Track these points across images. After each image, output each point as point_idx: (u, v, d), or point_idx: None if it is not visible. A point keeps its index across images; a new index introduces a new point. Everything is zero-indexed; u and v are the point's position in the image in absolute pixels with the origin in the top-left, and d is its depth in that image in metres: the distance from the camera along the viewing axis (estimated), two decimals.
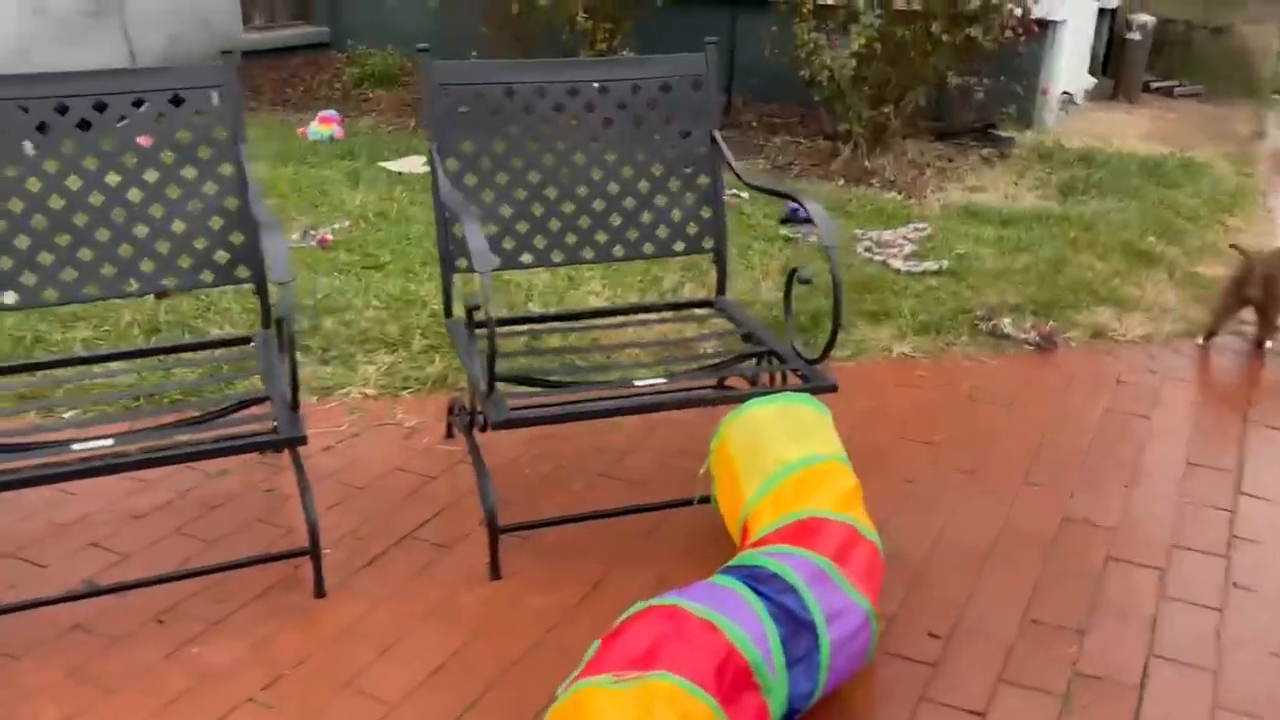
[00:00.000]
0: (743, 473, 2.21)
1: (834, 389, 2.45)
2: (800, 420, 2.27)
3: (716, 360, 2.69)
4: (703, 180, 2.90)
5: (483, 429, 2.41)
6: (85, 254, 2.48)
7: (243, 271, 2.64)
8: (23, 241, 2.42)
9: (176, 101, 2.56)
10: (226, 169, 2.61)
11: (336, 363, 3.32)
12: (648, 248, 2.88)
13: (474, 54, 6.86)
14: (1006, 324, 3.70)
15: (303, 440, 2.17)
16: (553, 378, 2.53)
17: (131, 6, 5.74)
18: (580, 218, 2.82)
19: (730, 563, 2.03)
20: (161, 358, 2.78)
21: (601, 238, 2.85)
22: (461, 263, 2.69)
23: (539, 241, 2.79)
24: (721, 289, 3.00)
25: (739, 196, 5.03)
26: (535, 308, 3.68)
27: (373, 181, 5.18)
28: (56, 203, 2.46)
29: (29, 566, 2.34)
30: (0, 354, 3.31)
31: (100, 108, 2.48)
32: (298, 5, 8.44)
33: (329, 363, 3.32)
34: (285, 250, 2.13)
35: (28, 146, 2.45)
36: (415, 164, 5.48)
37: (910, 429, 3.02)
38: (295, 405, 2.19)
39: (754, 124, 6.67)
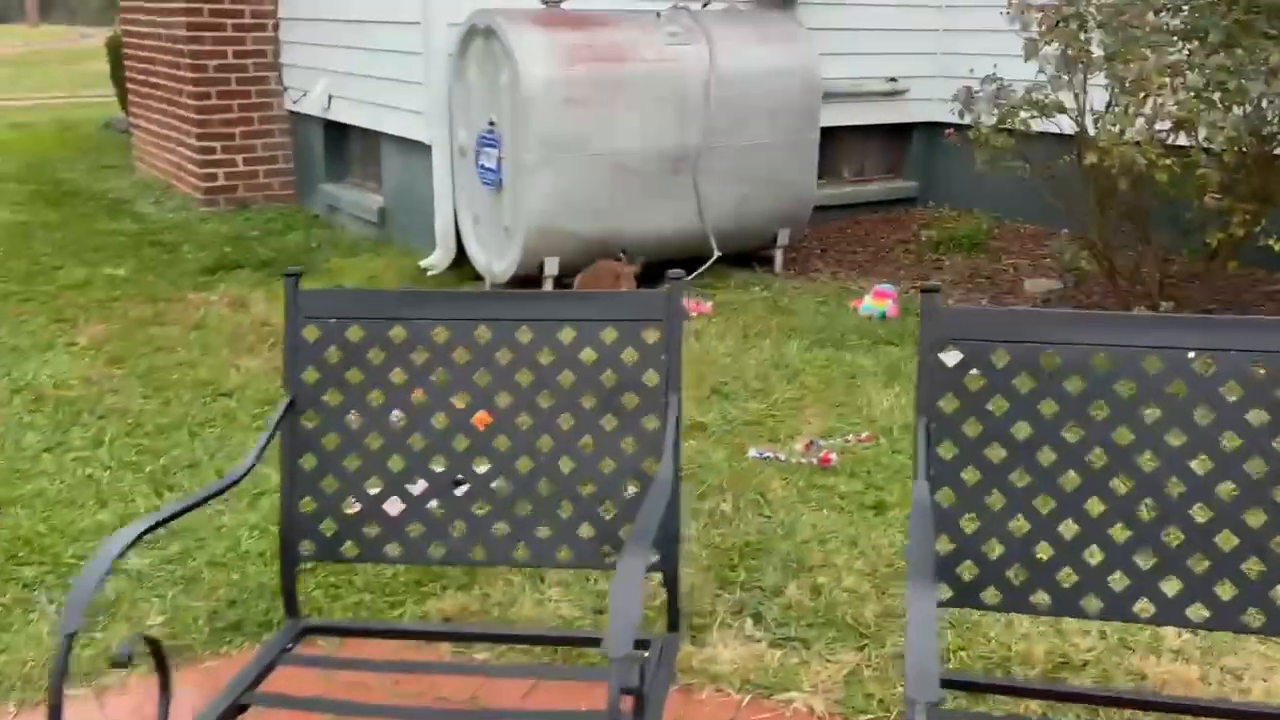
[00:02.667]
0: None
1: None
2: None
3: None
4: None
5: None
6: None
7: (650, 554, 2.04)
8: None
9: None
10: (650, 423, 2.05)
11: (788, 648, 2.60)
12: None
13: (1064, 231, 5.91)
14: None
15: None
16: None
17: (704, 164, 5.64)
18: None
19: None
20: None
21: None
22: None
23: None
24: None
25: None
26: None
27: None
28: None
29: None
30: None
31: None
32: (888, 159, 8.04)
33: (780, 645, 2.61)
34: (631, 612, 1.47)
35: None
36: None
37: None
38: None
39: None
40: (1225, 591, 1.83)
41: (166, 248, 6.77)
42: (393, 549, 2.09)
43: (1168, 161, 4.49)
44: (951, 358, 1.92)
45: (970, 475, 1.91)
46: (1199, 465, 1.85)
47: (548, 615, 2.74)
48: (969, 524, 1.91)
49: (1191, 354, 1.87)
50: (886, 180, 8.00)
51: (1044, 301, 5.76)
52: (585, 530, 2.05)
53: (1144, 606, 1.86)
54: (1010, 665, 2.49)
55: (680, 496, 2.03)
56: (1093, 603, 1.88)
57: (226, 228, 7.28)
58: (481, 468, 2.09)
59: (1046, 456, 1.89)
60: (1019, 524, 1.90)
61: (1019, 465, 1.90)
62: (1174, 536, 1.85)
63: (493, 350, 2.08)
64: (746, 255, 6.28)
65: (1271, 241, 4.53)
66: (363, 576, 2.89)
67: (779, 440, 3.80)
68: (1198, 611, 1.85)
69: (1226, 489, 1.84)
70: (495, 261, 5.61)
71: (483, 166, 5.51)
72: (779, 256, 6.31)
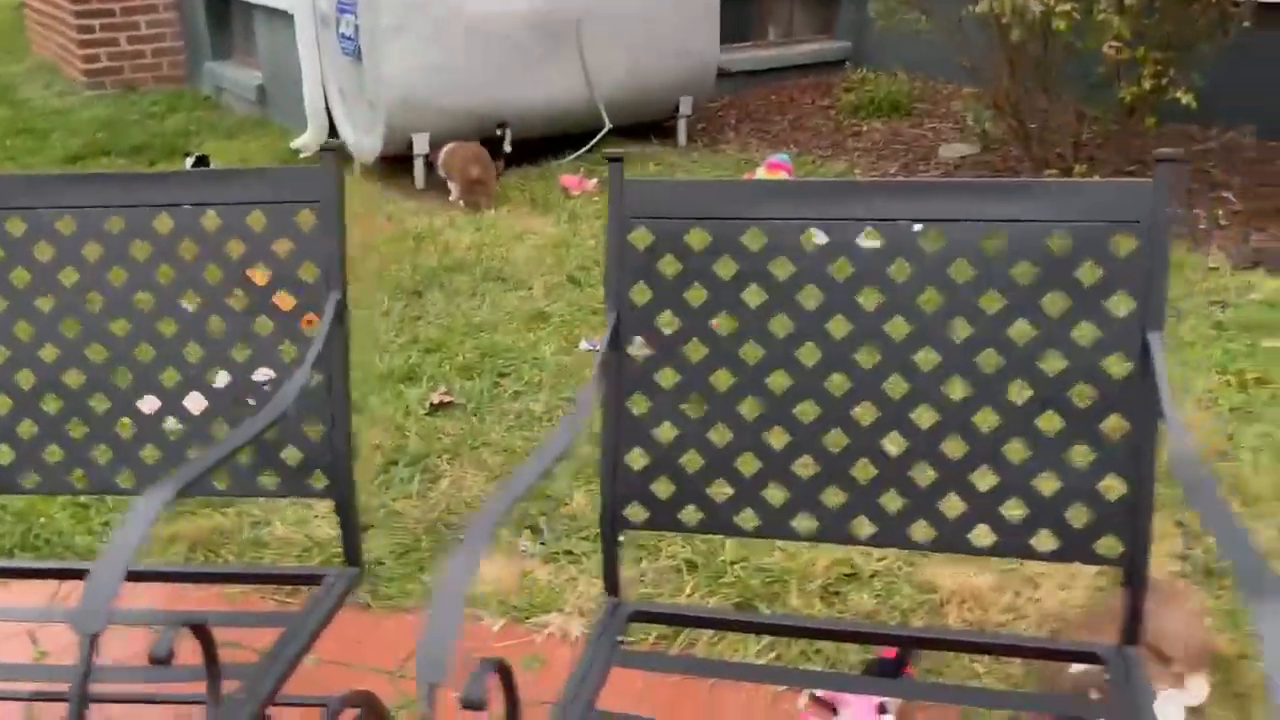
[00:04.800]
0: None
1: None
2: None
3: None
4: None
5: None
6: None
7: (319, 480, 1.76)
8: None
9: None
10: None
11: (560, 564, 2.35)
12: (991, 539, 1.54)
13: (968, 90, 5.47)
14: None
15: None
16: None
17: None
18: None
19: None
20: None
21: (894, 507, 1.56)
22: None
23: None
24: (1132, 636, 1.52)
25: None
26: None
27: None
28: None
29: None
30: None
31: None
32: (819, 18, 7.53)
33: (553, 560, 2.36)
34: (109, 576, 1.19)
35: None
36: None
37: None
38: None
39: None
40: (951, 508, 1.56)
41: (36, 135, 6.35)
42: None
43: (1066, 7, 4.07)
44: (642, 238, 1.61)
45: (667, 379, 1.62)
46: (924, 360, 1.55)
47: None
48: (666, 435, 1.63)
49: (917, 227, 1.55)
50: (817, 41, 7.50)
51: (955, 168, 5.39)
52: (245, 457, 1.76)
53: (862, 526, 1.59)
54: (789, 580, 2.24)
55: (347, 410, 1.74)
56: (805, 522, 1.61)
57: (107, 112, 6.83)
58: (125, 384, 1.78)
59: (753, 354, 1.60)
60: (722, 434, 1.61)
61: (722, 366, 1.61)
62: (896, 444, 1.57)
63: (126, 244, 1.76)
64: (647, 127, 5.88)
65: (1180, 94, 4.15)
66: None
67: None
68: (923, 531, 1.58)
69: (956, 387, 1.55)
70: (364, 139, 5.22)
71: (342, 35, 5.07)
72: (682, 127, 5.90)
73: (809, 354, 1.59)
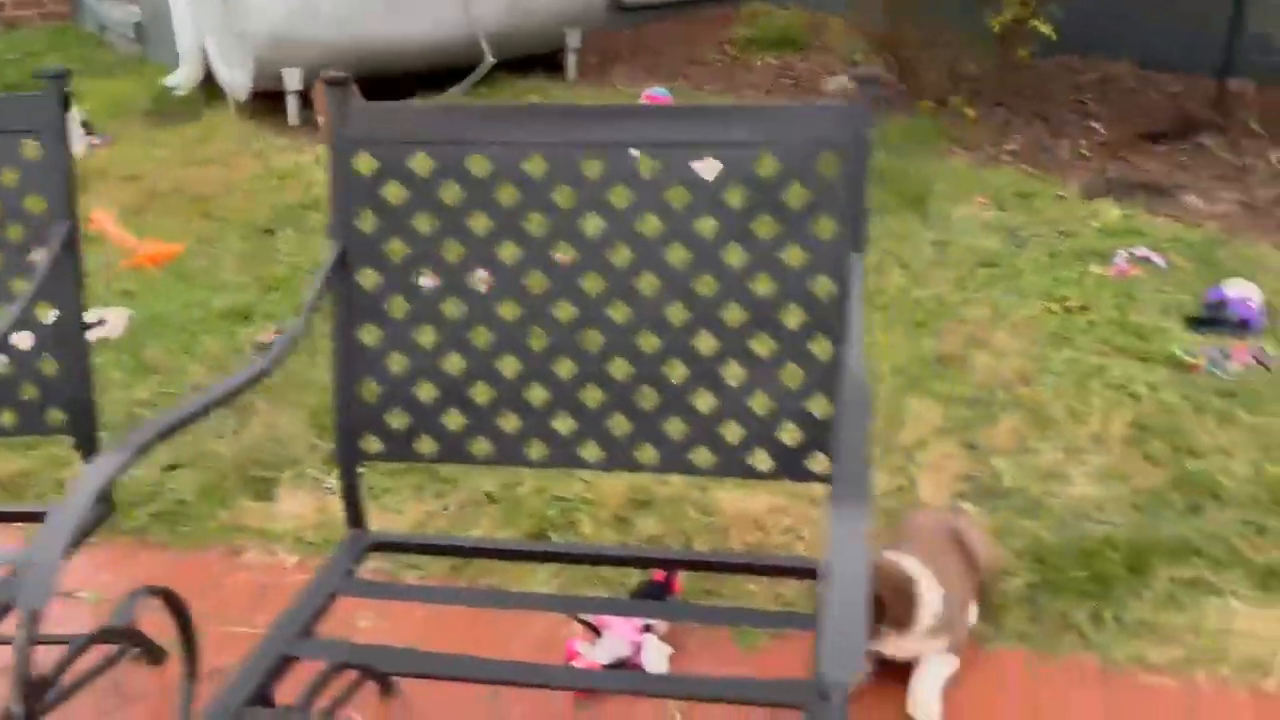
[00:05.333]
0: None
1: None
2: None
3: None
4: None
5: None
6: None
7: (56, 418, 1.73)
8: None
9: None
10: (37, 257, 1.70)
11: None
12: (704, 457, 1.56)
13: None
14: None
15: None
16: None
17: None
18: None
19: None
20: None
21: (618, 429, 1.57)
22: None
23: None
24: None
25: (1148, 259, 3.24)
26: None
27: None
28: None
29: None
30: None
31: None
32: None
33: None
34: None
35: None
36: None
37: None
38: None
39: (1254, 126, 4.55)
40: (675, 429, 1.57)
41: None
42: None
43: None
44: None
45: (397, 308, 1.61)
46: (646, 285, 1.56)
47: None
48: (397, 364, 1.62)
49: (634, 152, 1.54)
50: None
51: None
52: None
53: (592, 451, 1.60)
54: (584, 509, 2.26)
55: (83, 343, 1.71)
56: (537, 449, 1.62)
57: None
58: None
59: (482, 283, 1.59)
60: (454, 363, 1.61)
61: (451, 295, 1.60)
62: (622, 370, 1.57)
63: None
64: (536, 61, 5.79)
65: (1039, 23, 4.17)
66: None
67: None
68: (649, 454, 1.59)
69: (676, 312, 1.55)
70: (236, 75, 5.09)
71: None
72: (571, 61, 5.82)
73: (536, 282, 1.58)
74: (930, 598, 1.77)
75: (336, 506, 2.35)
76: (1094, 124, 4.69)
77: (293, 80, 4.93)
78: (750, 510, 2.18)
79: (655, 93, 5.07)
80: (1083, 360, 2.69)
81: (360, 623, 2.02)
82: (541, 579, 2.09)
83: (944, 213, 3.69)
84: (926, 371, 2.69)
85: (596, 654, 1.88)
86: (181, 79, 5.44)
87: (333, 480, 2.43)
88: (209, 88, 5.41)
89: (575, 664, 1.87)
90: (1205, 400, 2.49)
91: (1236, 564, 1.99)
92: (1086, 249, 3.33)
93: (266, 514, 2.33)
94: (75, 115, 4.75)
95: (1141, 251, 3.27)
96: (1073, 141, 4.48)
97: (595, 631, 1.89)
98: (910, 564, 1.79)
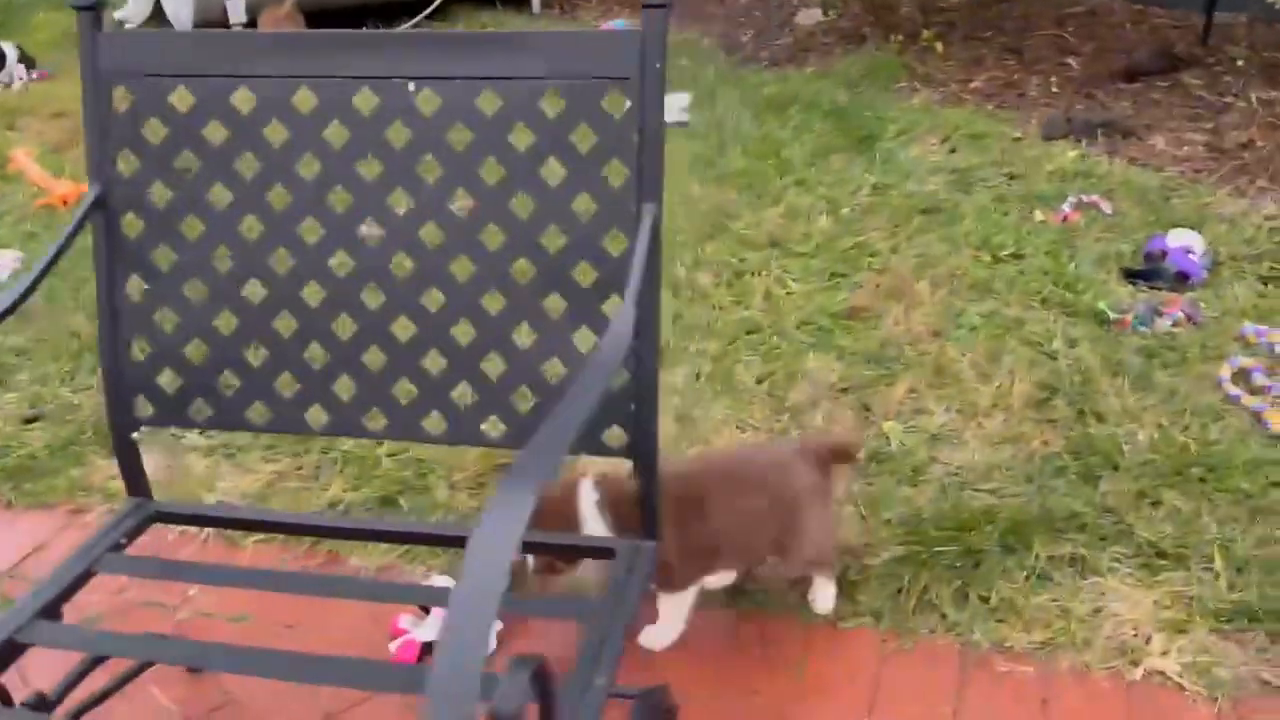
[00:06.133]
0: None
1: None
2: None
3: None
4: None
5: None
6: None
7: None
8: None
9: None
10: None
11: (216, 456, 2.23)
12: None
13: None
14: None
15: None
16: None
17: None
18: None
19: None
20: None
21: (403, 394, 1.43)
22: None
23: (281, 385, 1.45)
24: (651, 532, 1.40)
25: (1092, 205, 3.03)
26: None
27: None
28: None
29: None
30: None
31: None
32: None
33: (211, 454, 2.24)
34: None
35: None
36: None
37: None
38: None
39: (1240, 63, 4.28)
40: (462, 396, 1.43)
41: None
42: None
43: None
44: None
45: (163, 259, 1.47)
46: (429, 237, 1.40)
47: None
48: (167, 322, 1.48)
49: (411, 86, 1.38)
50: None
51: (809, 35, 5.14)
52: None
53: (377, 418, 1.46)
54: (437, 473, 2.12)
55: None
56: (319, 415, 1.48)
57: None
58: None
59: (253, 229, 1.44)
60: (226, 321, 1.47)
61: (220, 244, 1.45)
62: (405, 330, 1.43)
63: None
64: None
65: None
66: None
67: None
68: (435, 423, 1.45)
69: (462, 267, 1.40)
70: (181, 9, 4.92)
71: None
72: None
73: (310, 230, 1.43)
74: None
75: (197, 464, 2.25)
76: (1070, 60, 4.44)
77: (236, 12, 4.76)
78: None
79: (612, 25, 4.85)
80: (1001, 314, 2.51)
81: (191, 591, 1.91)
82: (382, 547, 1.97)
83: (891, 154, 3.48)
84: (835, 326, 2.52)
85: (422, 631, 1.76)
86: (131, 12, 5.27)
87: (192, 436, 2.31)
88: (159, 22, 5.25)
89: (397, 642, 1.75)
90: (1123, 359, 2.31)
91: (1123, 540, 1.83)
92: (1034, 194, 3.13)
93: (116, 471, 2.20)
94: (8, 48, 4.61)
95: (1091, 198, 3.07)
96: (1044, 79, 4.23)
97: (424, 609, 1.77)
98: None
